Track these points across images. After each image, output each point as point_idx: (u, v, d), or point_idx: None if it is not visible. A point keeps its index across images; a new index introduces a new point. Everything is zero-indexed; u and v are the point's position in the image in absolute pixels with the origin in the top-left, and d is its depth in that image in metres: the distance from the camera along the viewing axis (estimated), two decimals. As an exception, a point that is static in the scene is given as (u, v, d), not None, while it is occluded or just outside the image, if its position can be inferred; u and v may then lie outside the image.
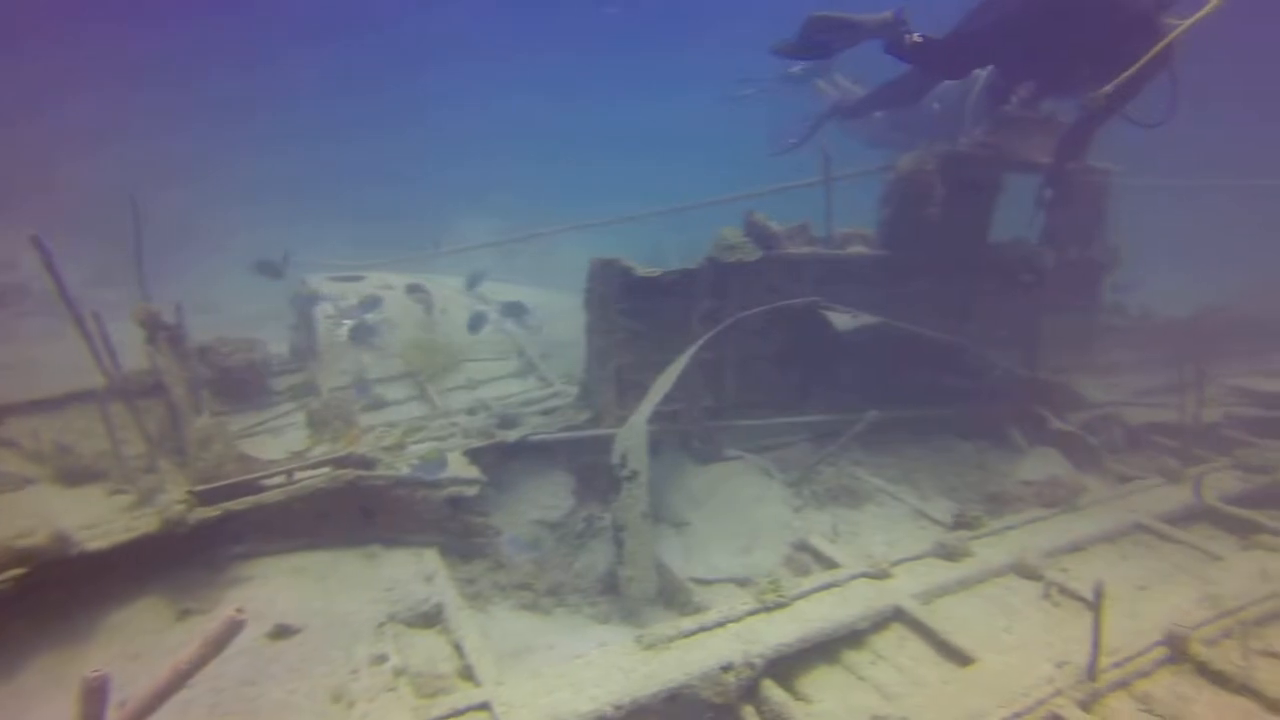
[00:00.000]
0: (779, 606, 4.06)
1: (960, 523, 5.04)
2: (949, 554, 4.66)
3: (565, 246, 13.63)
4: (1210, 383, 8.89)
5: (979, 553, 4.77)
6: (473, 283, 8.82)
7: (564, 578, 4.96)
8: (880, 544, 4.98)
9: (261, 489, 4.29)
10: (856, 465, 6.01)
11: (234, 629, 2.25)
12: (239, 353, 6.73)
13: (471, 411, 6.30)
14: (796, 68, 11.18)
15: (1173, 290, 12.22)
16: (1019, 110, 6.91)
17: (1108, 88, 5.73)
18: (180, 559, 4.02)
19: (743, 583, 4.58)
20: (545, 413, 6.14)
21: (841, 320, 5.99)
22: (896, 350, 6.44)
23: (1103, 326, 8.97)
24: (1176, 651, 3.90)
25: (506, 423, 5.85)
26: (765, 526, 5.03)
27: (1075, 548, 5.04)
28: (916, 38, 6.16)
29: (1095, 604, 3.49)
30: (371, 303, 7.85)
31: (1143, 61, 5.56)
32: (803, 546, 4.88)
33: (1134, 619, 4.14)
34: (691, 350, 5.45)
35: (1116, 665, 3.76)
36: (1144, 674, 3.80)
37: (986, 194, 7.12)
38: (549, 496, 5.29)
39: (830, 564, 4.63)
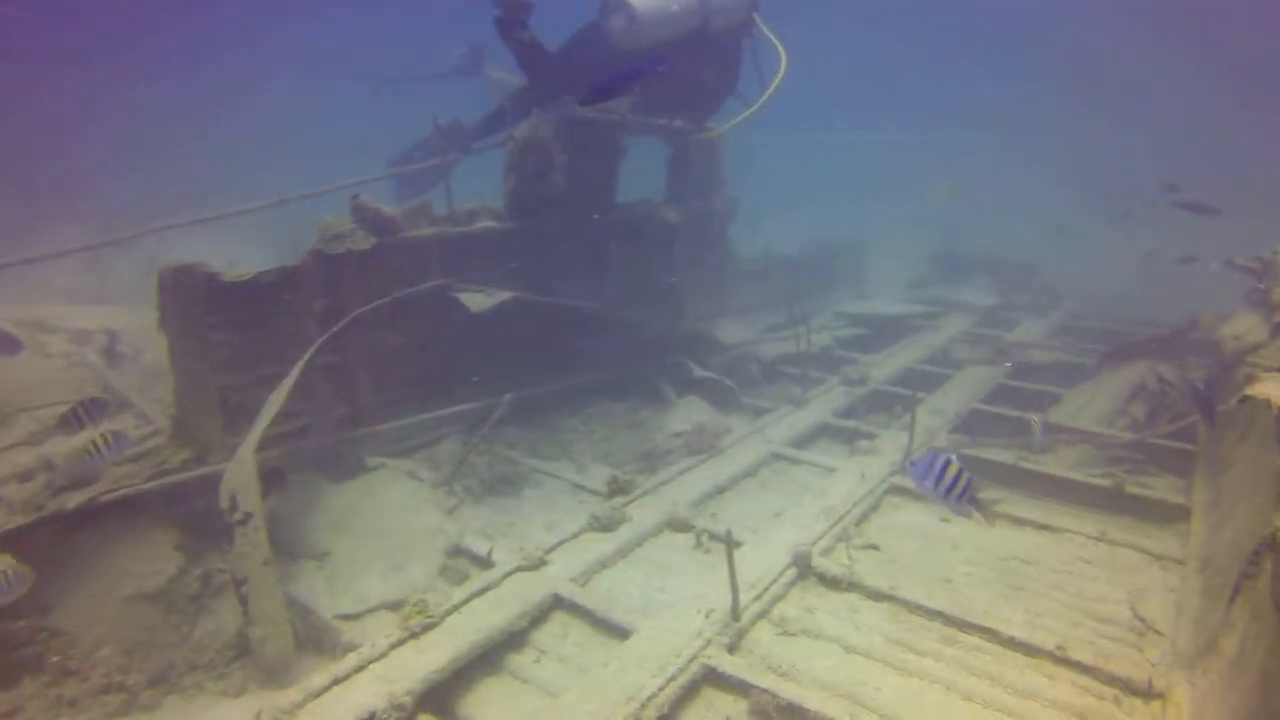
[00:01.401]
0: (428, 629, 3.66)
1: (614, 489, 5.04)
2: (604, 525, 4.61)
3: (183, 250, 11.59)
4: (820, 311, 10.25)
5: (634, 516, 4.80)
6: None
7: (176, 656, 4.07)
8: (540, 528, 4.80)
9: None
10: (511, 448, 5.79)
11: None
12: None
13: (24, 478, 4.92)
14: (455, 57, 10.99)
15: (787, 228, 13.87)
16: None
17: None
18: None
19: (396, 606, 4.09)
20: (136, 458, 5.00)
21: (476, 300, 5.67)
22: (541, 323, 6.30)
23: (733, 271, 9.76)
24: (802, 568, 4.22)
25: (80, 481, 4.65)
26: (417, 537, 4.57)
27: (721, 490, 5.33)
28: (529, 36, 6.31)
29: (728, 551, 3.59)
30: None
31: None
32: (459, 551, 4.52)
33: (769, 547, 4.41)
34: (305, 358, 4.75)
35: (756, 598, 3.96)
36: (779, 598, 4.05)
37: (608, 157, 7.22)
38: (142, 563, 4.29)
39: (487, 564, 4.33)
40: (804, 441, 6.24)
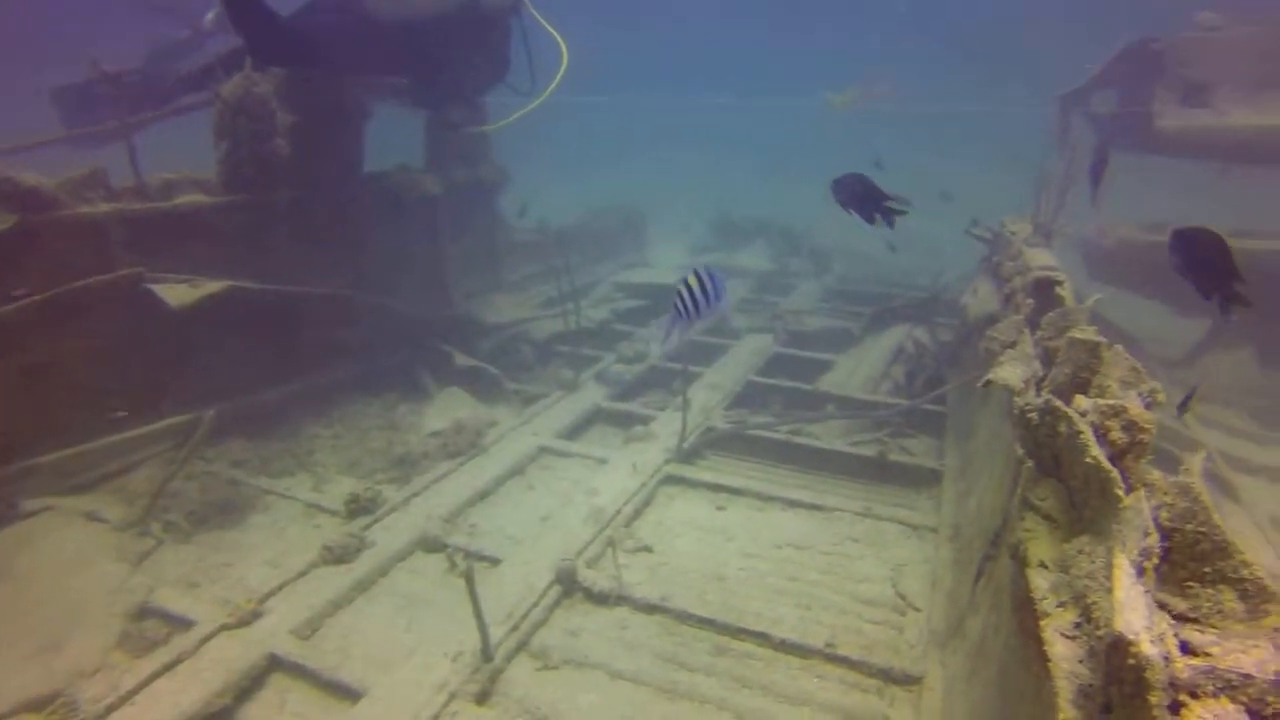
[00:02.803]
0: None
1: (355, 509, 4.37)
2: (339, 556, 3.96)
3: None
4: (599, 283, 9.95)
5: (378, 539, 4.19)
6: None
7: None
8: (264, 566, 4.03)
9: None
10: (236, 466, 4.90)
11: None
12: None
13: None
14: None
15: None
16: None
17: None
18: None
19: (44, 704, 3.19)
20: None
21: (178, 293, 4.68)
22: (271, 314, 5.39)
23: (507, 243, 9.17)
24: (567, 585, 3.85)
25: None
26: (89, 600, 3.64)
27: (483, 495, 4.82)
28: None
29: (469, 585, 3.11)
30: None
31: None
32: (148, 611, 3.65)
33: (532, 562, 3.99)
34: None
35: (514, 628, 3.53)
36: (541, 623, 3.65)
37: (347, 119, 6.32)
38: None
39: (186, 623, 3.52)
40: (576, 430, 5.88)
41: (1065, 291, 3.69)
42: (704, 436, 5.58)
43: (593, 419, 6.11)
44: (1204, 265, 2.77)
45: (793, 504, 4.78)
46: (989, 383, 2.97)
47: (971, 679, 2.95)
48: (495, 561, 4.07)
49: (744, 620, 3.63)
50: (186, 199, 5.21)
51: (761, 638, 3.56)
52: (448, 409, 5.64)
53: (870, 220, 3.46)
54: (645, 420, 5.84)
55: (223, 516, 4.37)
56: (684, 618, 3.69)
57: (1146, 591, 1.30)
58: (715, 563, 4.21)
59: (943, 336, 7.54)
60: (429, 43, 6.24)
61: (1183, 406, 2.98)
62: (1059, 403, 2.08)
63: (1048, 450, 2.19)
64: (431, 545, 4.19)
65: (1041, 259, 4.16)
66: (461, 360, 6.13)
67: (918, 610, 3.83)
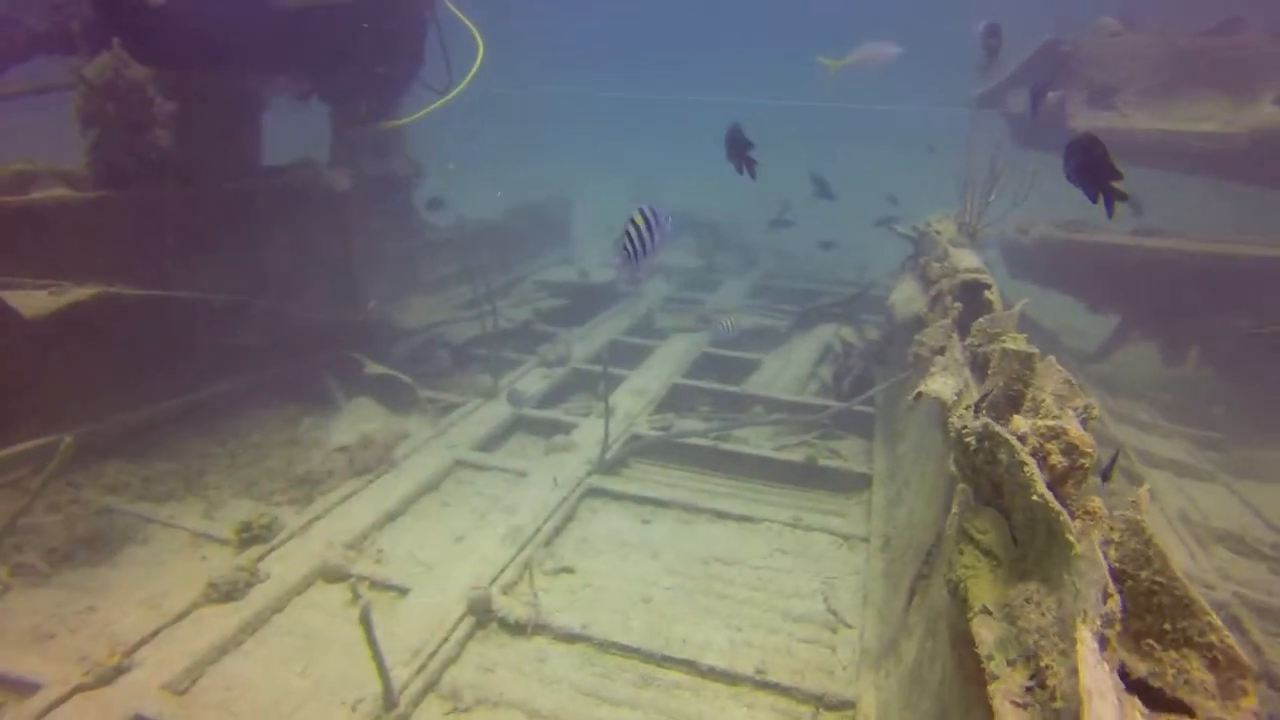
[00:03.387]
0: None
1: (247, 538, 3.98)
2: (226, 593, 3.58)
3: None
4: (521, 281, 9.62)
5: (274, 571, 3.81)
6: None
7: None
8: (134, 609, 3.61)
9: None
10: (111, 493, 4.42)
11: None
12: None
13: None
14: None
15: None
16: None
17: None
18: None
19: None
20: None
21: (36, 302, 4.19)
22: (156, 322, 4.90)
23: (423, 242, 8.75)
24: (481, 615, 3.56)
25: None
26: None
27: (392, 516, 4.49)
28: None
29: (366, 626, 2.80)
30: None
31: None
32: (-7, 669, 3.20)
33: (444, 590, 3.70)
34: None
35: (421, 668, 3.23)
36: (453, 659, 3.36)
37: (240, 107, 5.83)
38: None
39: (29, 687, 3.09)
40: (495, 441, 5.58)
41: (993, 295, 3.61)
42: (629, 445, 5.37)
43: (512, 428, 5.82)
44: (1091, 168, 2.74)
45: (720, 515, 4.60)
46: (919, 395, 2.84)
47: (907, 709, 2.82)
48: (403, 591, 3.75)
49: (671, 647, 3.43)
50: (48, 194, 4.67)
51: (689, 665, 3.37)
52: (356, 421, 5.26)
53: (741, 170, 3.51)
54: (567, 428, 5.58)
55: (91, 552, 3.91)
56: (607, 647, 3.46)
57: (1112, 671, 1.13)
58: (641, 583, 3.99)
59: (870, 335, 7.53)
60: (329, 31, 5.79)
61: (1105, 474, 2.94)
62: (999, 428, 1.93)
63: (986, 478, 2.05)
64: (333, 575, 3.85)
65: (968, 261, 4.09)
66: (372, 368, 5.74)
67: (849, 627, 3.70)
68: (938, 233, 5.13)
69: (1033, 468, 1.70)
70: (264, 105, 6.11)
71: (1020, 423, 2.11)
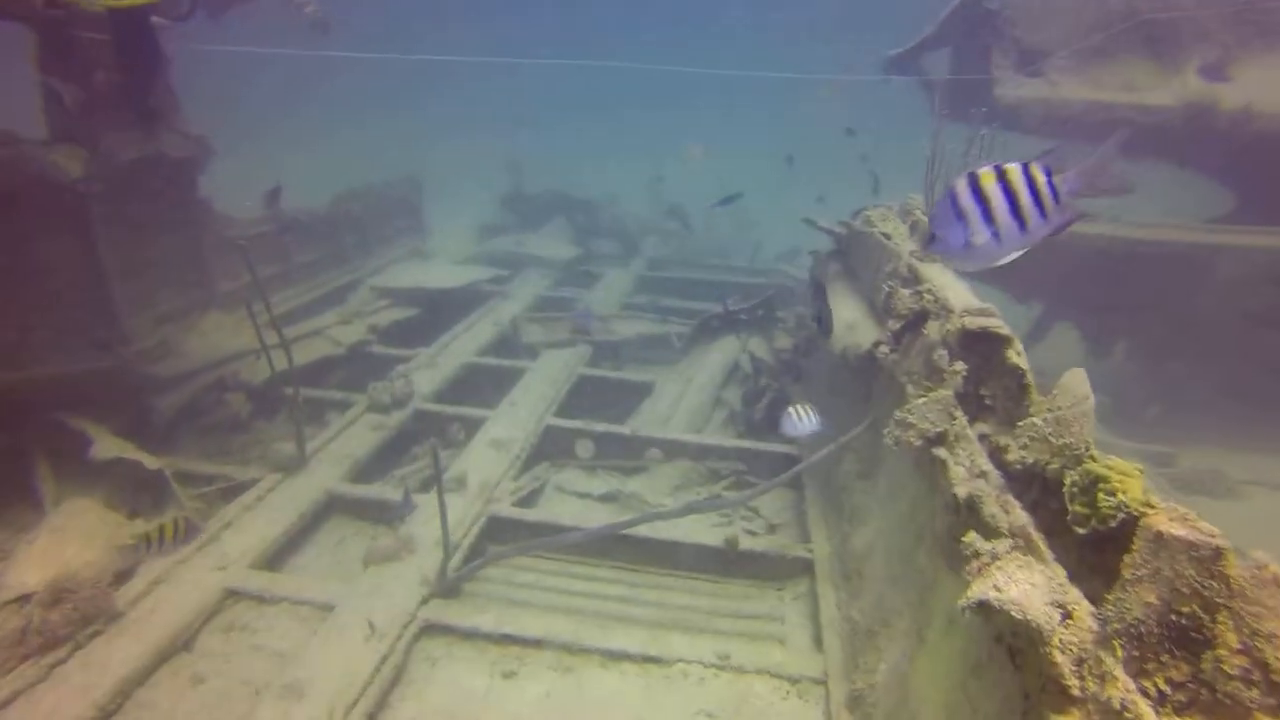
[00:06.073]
0: None
1: None
2: None
3: None
4: (356, 286, 7.84)
5: None
6: None
7: None
8: None
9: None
10: None
11: None
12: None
13: None
14: None
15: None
16: None
17: None
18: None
19: None
20: None
21: None
22: None
23: (217, 240, 6.76)
24: None
25: None
26: None
27: (107, 712, 2.83)
28: None
29: None
30: None
31: None
32: None
33: None
34: None
35: None
36: None
37: None
38: None
39: None
40: (292, 545, 3.95)
41: (1019, 357, 2.35)
42: (486, 533, 3.91)
43: (324, 513, 4.20)
44: None
45: (615, 658, 3.22)
46: (978, 607, 1.53)
47: None
48: None
49: None
50: None
51: None
52: (59, 544, 3.48)
53: None
54: (400, 513, 4.02)
55: None
56: None
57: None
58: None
59: (781, 343, 6.31)
60: None
61: None
62: None
63: None
64: None
65: (963, 297, 2.83)
66: (102, 448, 3.93)
67: None
68: (885, 236, 3.87)
69: None
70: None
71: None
